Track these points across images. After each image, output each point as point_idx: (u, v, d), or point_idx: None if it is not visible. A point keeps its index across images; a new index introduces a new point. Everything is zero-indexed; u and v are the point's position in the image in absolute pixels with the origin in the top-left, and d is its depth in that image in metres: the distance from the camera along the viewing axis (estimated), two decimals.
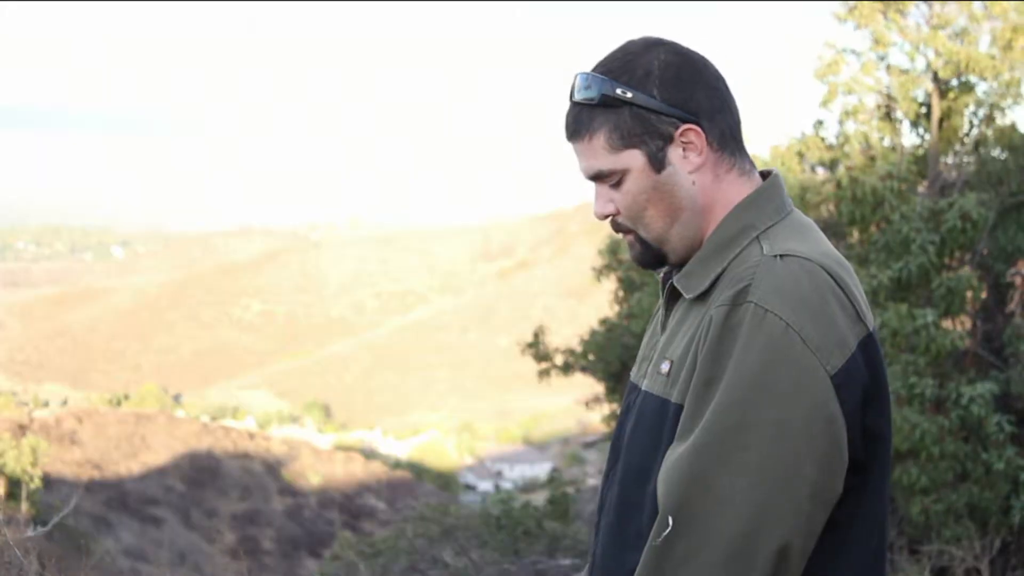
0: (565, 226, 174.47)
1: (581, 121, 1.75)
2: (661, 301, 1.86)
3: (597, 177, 1.77)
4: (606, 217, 1.79)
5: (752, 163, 1.81)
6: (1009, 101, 11.65)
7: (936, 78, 11.74)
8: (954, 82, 11.79)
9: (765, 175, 1.82)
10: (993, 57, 11.28)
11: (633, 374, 1.88)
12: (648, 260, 1.80)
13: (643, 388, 1.80)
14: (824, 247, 1.72)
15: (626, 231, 1.79)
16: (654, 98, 1.71)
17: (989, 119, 11.89)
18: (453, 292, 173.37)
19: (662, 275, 1.87)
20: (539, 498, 14.85)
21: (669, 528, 1.58)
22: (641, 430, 1.76)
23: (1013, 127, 11.76)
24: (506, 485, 50.63)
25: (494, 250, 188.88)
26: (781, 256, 1.64)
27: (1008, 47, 11.24)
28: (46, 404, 64.41)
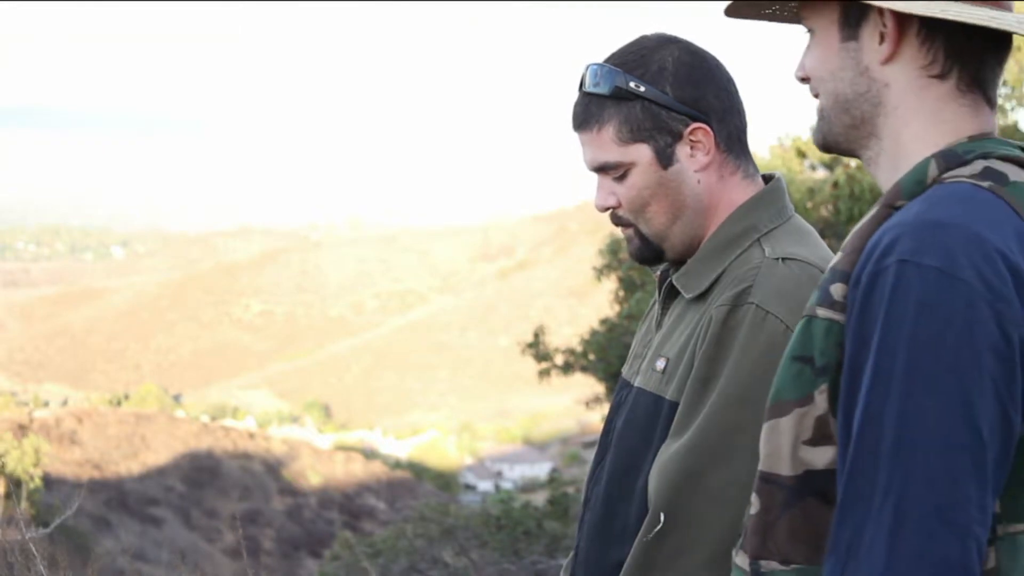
0: (565, 226, 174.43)
1: (591, 112, 1.76)
2: (657, 298, 1.86)
3: (602, 169, 1.77)
4: (607, 209, 1.79)
5: (755, 166, 1.83)
6: (1013, 103, 11.66)
7: None
8: None
9: (768, 179, 1.82)
10: None
11: (625, 371, 1.89)
12: (646, 255, 1.80)
13: (636, 385, 1.80)
14: (824, 252, 1.73)
15: (626, 225, 1.79)
16: (666, 94, 1.72)
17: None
18: (453, 292, 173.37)
19: (659, 273, 1.87)
20: (539, 498, 14.82)
21: (660, 524, 1.60)
22: (632, 426, 1.76)
23: (1015, 127, 11.77)
24: (506, 485, 50.57)
25: (494, 250, 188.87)
26: (783, 259, 1.66)
27: (1018, 48, 11.26)
28: (46, 404, 64.42)
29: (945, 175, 1.21)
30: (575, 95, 1.80)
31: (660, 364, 1.73)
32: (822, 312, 1.20)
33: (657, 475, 1.63)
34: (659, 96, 1.71)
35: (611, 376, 15.93)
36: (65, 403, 65.83)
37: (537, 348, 16.89)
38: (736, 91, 1.79)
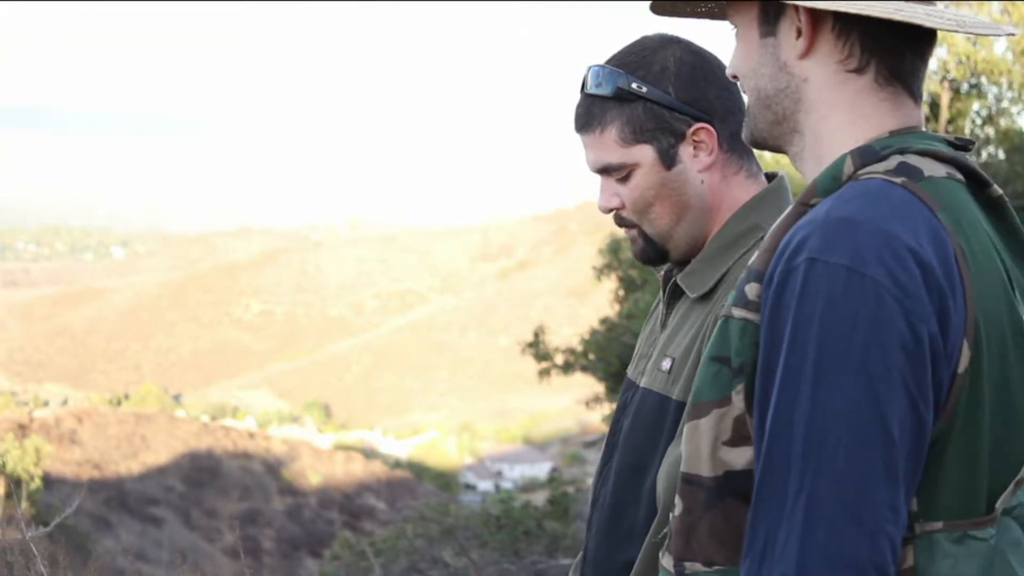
0: (565, 226, 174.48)
1: (593, 114, 1.75)
2: (661, 299, 1.86)
3: (605, 170, 1.77)
4: (610, 211, 1.79)
5: (759, 166, 1.83)
6: (1019, 106, 11.66)
7: (947, 79, 11.74)
8: (965, 84, 11.80)
9: (771, 177, 1.82)
10: (1006, 60, 11.29)
11: (630, 371, 1.88)
12: (650, 256, 1.80)
13: (641, 385, 1.79)
14: None
15: (629, 226, 1.79)
16: (669, 95, 1.72)
17: (994, 120, 11.90)
18: (453, 292, 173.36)
19: (663, 273, 1.87)
20: (539, 498, 14.80)
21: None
22: (639, 427, 1.75)
23: (1017, 129, 11.77)
24: (506, 485, 50.56)
25: (494, 250, 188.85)
26: None
27: (1021, 53, 11.25)
28: (46, 404, 64.42)
29: (860, 171, 1.20)
30: (576, 97, 1.80)
31: (666, 364, 1.72)
32: (737, 312, 1.19)
33: (665, 476, 1.61)
34: (661, 97, 1.71)
35: (611, 376, 15.92)
36: (65, 403, 65.81)
37: (537, 348, 16.90)
38: (738, 91, 1.77)
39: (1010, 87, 11.60)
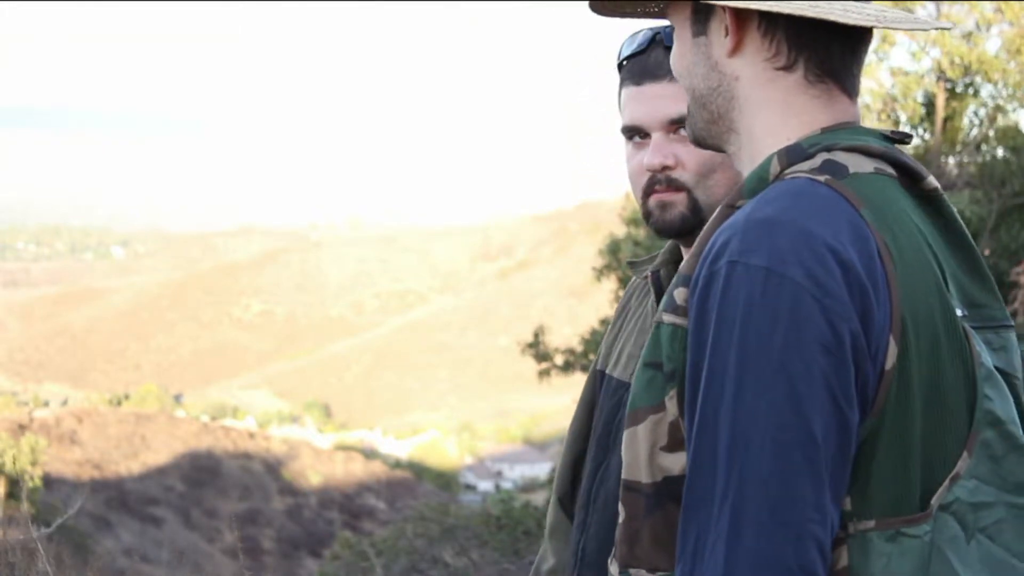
0: (565, 226, 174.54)
1: None
2: (652, 299, 1.83)
3: (680, 121, 1.70)
4: (663, 169, 1.72)
5: None
6: (1015, 104, 11.67)
7: (942, 78, 11.75)
8: (960, 84, 11.81)
9: None
10: (1001, 59, 11.29)
11: (617, 372, 1.86)
12: (688, 225, 1.73)
13: None
14: None
15: (677, 188, 1.73)
16: None
17: (992, 120, 11.90)
18: (453, 292, 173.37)
19: (649, 274, 1.84)
20: (539, 498, 14.83)
21: None
22: None
23: (1016, 128, 11.77)
24: (506, 485, 50.54)
25: (494, 250, 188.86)
26: None
27: (1018, 51, 11.24)
28: (46, 404, 64.47)
29: (787, 171, 1.20)
30: (639, 53, 1.76)
31: None
32: (667, 317, 1.19)
33: None
34: None
35: None
36: (65, 403, 65.83)
37: (537, 348, 16.90)
38: None
39: (1006, 85, 11.62)
